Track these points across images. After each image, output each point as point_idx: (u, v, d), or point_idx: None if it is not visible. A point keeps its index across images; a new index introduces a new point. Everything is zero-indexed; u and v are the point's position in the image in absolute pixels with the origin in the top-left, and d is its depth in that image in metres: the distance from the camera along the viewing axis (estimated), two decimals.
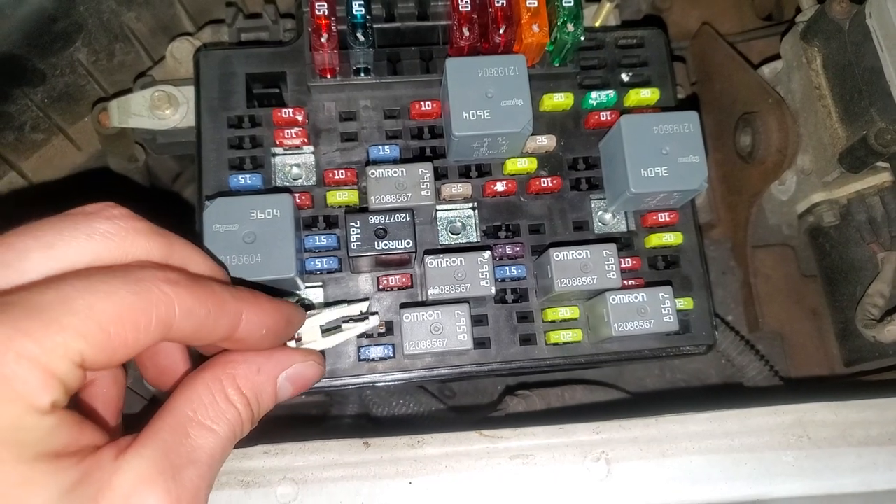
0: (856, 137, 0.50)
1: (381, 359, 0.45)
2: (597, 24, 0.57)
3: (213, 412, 0.30)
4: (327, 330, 0.42)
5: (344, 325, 0.43)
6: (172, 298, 0.28)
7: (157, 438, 0.28)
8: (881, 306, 0.51)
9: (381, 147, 0.47)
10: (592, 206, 0.49)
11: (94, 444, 0.28)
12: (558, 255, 0.43)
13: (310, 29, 0.45)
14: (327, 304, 0.45)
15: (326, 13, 0.44)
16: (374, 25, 0.46)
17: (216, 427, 0.30)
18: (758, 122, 0.58)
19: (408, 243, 0.42)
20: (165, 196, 0.70)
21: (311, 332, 0.41)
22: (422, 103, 0.47)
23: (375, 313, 0.45)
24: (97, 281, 0.27)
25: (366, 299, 0.45)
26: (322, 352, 0.40)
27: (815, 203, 0.57)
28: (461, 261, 0.42)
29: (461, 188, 0.47)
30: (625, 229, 0.49)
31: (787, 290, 0.66)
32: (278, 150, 0.47)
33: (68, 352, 0.25)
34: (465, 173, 0.48)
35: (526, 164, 0.47)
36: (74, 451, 0.27)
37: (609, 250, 0.43)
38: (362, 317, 0.44)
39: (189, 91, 0.54)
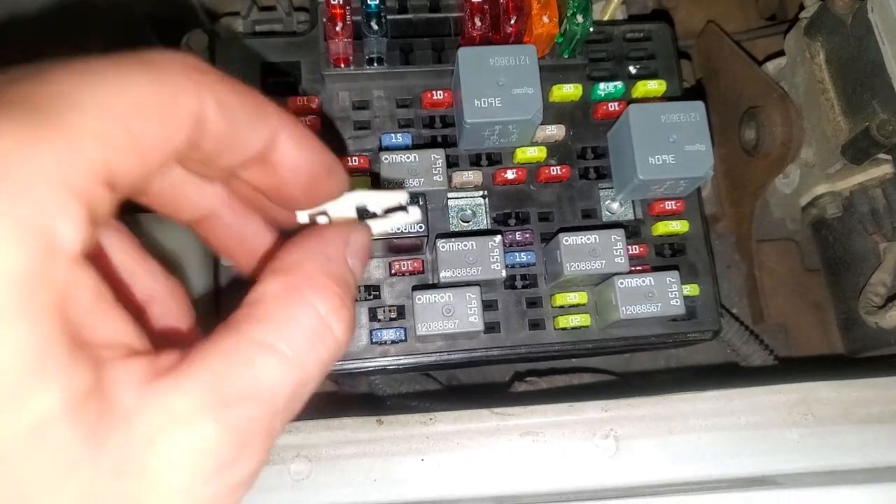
0: (858, 129, 0.51)
1: (393, 342, 0.45)
2: (605, 19, 0.58)
3: (291, 332, 0.22)
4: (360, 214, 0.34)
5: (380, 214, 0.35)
6: (203, 85, 0.22)
7: (206, 365, 0.20)
8: (883, 294, 0.52)
9: (393, 135, 0.48)
10: (600, 194, 0.50)
11: (126, 343, 0.20)
12: (567, 239, 0.44)
13: (325, 19, 0.46)
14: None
15: (342, 3, 0.45)
16: (388, 17, 0.47)
17: (290, 353, 0.22)
18: (762, 117, 0.59)
19: (420, 227, 0.43)
20: None
21: (345, 209, 0.32)
22: (433, 93, 0.48)
23: (417, 204, 0.37)
24: (106, 66, 0.19)
25: (404, 191, 0.36)
26: None
27: (819, 195, 0.58)
28: (472, 244, 0.43)
29: (472, 176, 0.48)
30: (632, 217, 0.50)
31: (790, 283, 0.67)
32: None
33: (92, 163, 0.18)
34: (475, 162, 0.49)
35: (535, 153, 0.48)
36: (96, 342, 0.19)
37: (617, 235, 0.44)
38: (402, 207, 0.35)
39: None
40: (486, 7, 0.46)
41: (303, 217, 0.30)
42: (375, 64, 0.48)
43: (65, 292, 0.17)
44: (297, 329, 0.22)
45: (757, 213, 0.63)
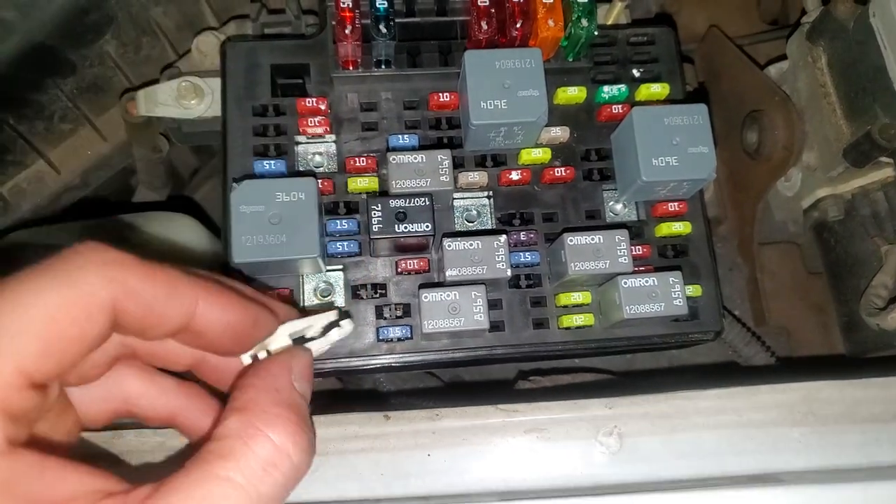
0: (860, 133, 0.52)
1: (399, 339, 0.46)
2: (609, 23, 0.58)
3: (249, 466, 0.26)
4: (297, 340, 0.38)
5: (317, 335, 0.39)
6: (114, 280, 0.26)
7: (173, 499, 0.24)
8: (885, 297, 0.52)
9: (400, 136, 0.49)
10: (604, 196, 0.50)
11: (97, 489, 0.24)
12: (572, 239, 0.45)
13: (334, 22, 0.47)
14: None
15: (351, 6, 0.46)
16: (396, 20, 0.48)
17: (245, 482, 0.26)
18: (764, 120, 0.59)
19: (427, 226, 0.44)
20: (184, 188, 0.72)
21: (282, 340, 0.36)
22: (440, 95, 0.49)
23: (347, 316, 0.41)
24: (20, 284, 0.25)
25: (335, 308, 0.42)
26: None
27: (820, 198, 0.58)
28: (478, 244, 0.44)
29: (477, 177, 0.48)
30: (635, 219, 0.50)
31: (792, 286, 0.68)
32: (301, 138, 0.49)
33: (2, 373, 0.23)
34: (480, 163, 0.50)
35: (540, 155, 0.49)
36: (60, 500, 0.24)
37: (621, 235, 0.45)
38: (335, 322, 0.39)
39: (214, 82, 0.56)
40: (492, 11, 0.47)
41: (246, 359, 0.35)
42: (383, 66, 0.49)
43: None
44: (254, 460, 0.26)
45: (759, 216, 0.64)
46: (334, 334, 0.39)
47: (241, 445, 0.26)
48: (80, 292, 0.25)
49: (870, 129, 0.50)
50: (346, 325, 0.39)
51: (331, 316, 0.39)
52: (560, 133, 0.50)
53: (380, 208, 0.44)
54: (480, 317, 0.43)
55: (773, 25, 0.77)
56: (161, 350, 0.33)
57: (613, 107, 0.51)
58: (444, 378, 0.63)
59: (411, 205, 0.44)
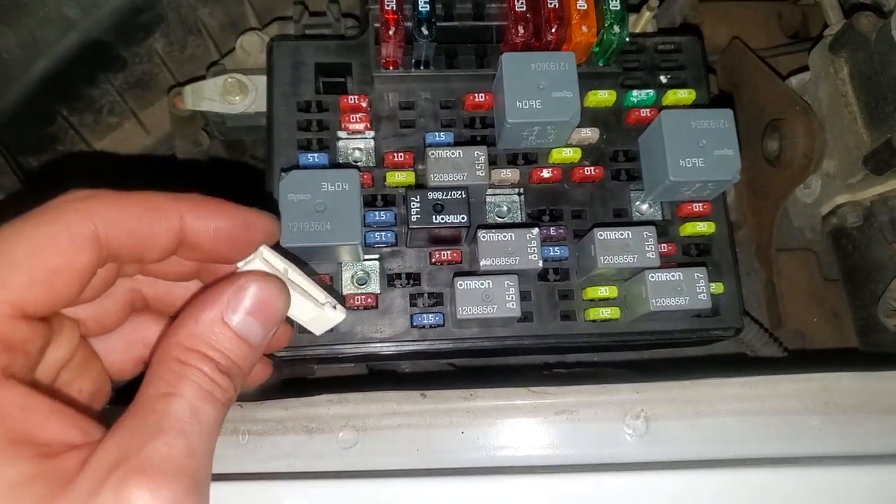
0: (880, 141, 0.53)
1: (432, 326, 0.48)
2: (637, 31, 0.61)
3: (171, 378, 0.28)
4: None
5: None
6: (92, 213, 0.28)
7: (122, 425, 0.26)
8: None
9: (436, 134, 0.51)
10: (631, 195, 0.52)
11: (67, 441, 0.26)
12: (602, 234, 0.47)
13: (377, 24, 0.50)
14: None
15: (395, 8, 0.49)
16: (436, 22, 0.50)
17: (177, 391, 0.27)
18: (785, 129, 0.61)
19: (463, 218, 0.46)
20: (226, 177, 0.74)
21: (255, 263, 0.35)
22: (475, 95, 0.51)
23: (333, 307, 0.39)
24: (6, 227, 0.27)
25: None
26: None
27: (839, 205, 0.60)
28: (511, 235, 0.46)
29: (509, 174, 0.51)
30: (660, 218, 0.52)
31: (808, 292, 0.69)
32: (343, 134, 0.51)
33: None
34: (512, 161, 0.52)
35: (570, 154, 0.51)
36: (40, 442, 0.25)
37: (649, 232, 0.47)
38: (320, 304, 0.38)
39: (257, 80, 0.58)
40: (528, 16, 0.49)
41: (241, 266, 0.35)
42: (422, 67, 0.52)
43: None
44: (170, 373, 0.28)
45: (777, 222, 0.66)
46: (329, 311, 0.37)
47: (162, 405, 0.27)
48: (59, 226, 0.27)
49: (890, 136, 0.52)
50: (340, 311, 0.38)
51: (331, 300, 0.38)
52: (590, 134, 0.52)
53: (418, 200, 0.46)
54: (513, 304, 0.45)
55: (793, 39, 0.79)
56: (167, 271, 0.34)
57: (641, 111, 0.53)
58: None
59: (448, 197, 0.46)
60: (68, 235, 0.27)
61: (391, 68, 0.51)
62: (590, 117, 0.53)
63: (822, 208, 0.63)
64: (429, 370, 0.63)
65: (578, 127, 0.50)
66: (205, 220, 0.31)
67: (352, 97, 0.51)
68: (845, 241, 0.63)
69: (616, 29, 0.50)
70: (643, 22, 0.60)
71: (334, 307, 0.38)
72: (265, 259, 0.35)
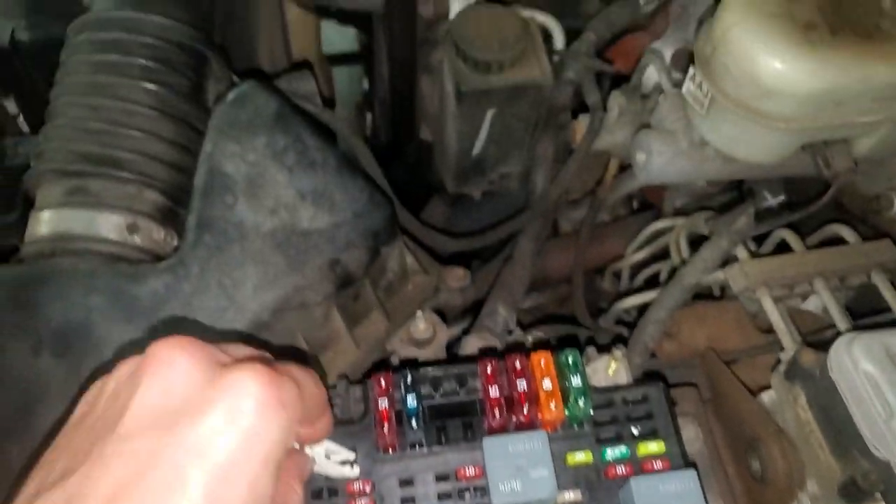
0: (847, 474, 0.57)
1: None
2: (610, 373, 0.68)
3: None
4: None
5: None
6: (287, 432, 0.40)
7: None
8: None
9: None
10: None
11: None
12: None
13: (374, 416, 0.58)
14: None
15: (387, 407, 0.57)
16: (425, 403, 0.58)
17: None
18: (762, 450, 0.65)
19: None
20: None
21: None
22: (466, 468, 0.58)
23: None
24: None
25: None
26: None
27: None
28: None
29: None
30: None
31: None
32: None
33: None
34: None
35: None
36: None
37: None
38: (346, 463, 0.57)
39: None
40: (502, 401, 0.57)
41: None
42: (417, 448, 0.59)
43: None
44: None
45: None
46: (346, 469, 0.57)
47: None
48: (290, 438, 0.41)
49: (852, 474, 0.56)
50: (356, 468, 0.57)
51: (349, 457, 0.57)
52: (572, 496, 0.57)
53: None
54: None
55: (769, 331, 0.86)
56: None
57: (618, 466, 0.58)
58: None
59: None
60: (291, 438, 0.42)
61: (390, 452, 0.59)
62: (572, 476, 0.58)
63: None
64: None
65: (561, 489, 0.56)
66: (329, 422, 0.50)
67: (357, 482, 0.58)
68: None
69: (580, 403, 0.57)
70: (613, 368, 0.67)
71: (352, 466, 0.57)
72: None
